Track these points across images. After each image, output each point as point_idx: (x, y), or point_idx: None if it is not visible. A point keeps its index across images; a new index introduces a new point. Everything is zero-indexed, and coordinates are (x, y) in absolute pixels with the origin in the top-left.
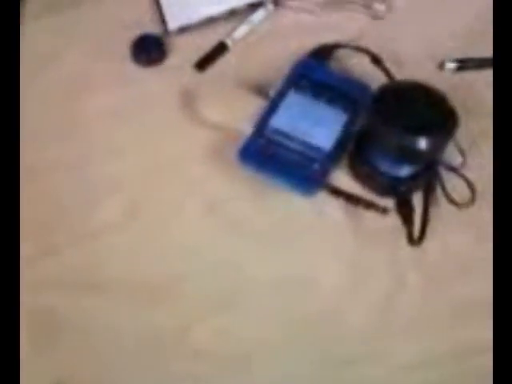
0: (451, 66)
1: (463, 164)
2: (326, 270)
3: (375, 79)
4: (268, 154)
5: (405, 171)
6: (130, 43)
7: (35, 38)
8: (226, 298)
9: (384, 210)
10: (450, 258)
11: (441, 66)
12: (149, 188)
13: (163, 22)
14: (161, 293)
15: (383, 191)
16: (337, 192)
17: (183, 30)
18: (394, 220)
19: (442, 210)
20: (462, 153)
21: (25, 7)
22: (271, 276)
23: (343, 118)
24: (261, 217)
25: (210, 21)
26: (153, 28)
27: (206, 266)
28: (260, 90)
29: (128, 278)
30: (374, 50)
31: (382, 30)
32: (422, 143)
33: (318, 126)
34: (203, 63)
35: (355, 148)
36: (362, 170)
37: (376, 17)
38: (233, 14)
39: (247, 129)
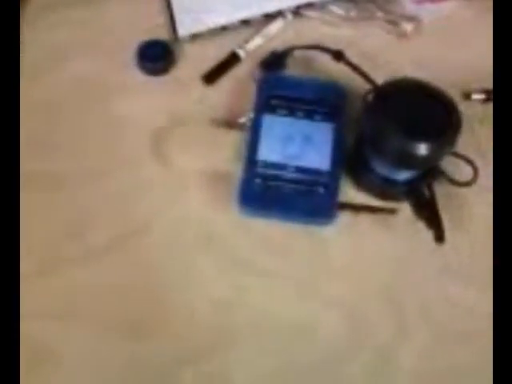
0: (478, 96)
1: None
2: (327, 316)
3: (341, 78)
4: (268, 194)
5: (408, 174)
6: (136, 49)
7: (42, 35)
8: (219, 340)
9: (392, 211)
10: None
11: (466, 96)
12: (144, 214)
13: (173, 28)
14: (152, 327)
15: (389, 196)
16: (341, 205)
17: (194, 37)
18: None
19: None
20: None
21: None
22: (270, 320)
23: (329, 129)
24: (262, 254)
25: (223, 30)
26: (162, 34)
27: (202, 303)
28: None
29: (113, 311)
30: (394, 70)
31: (405, 50)
32: (423, 149)
33: (306, 145)
34: (212, 75)
35: (354, 156)
36: (364, 178)
37: (401, 36)
38: (247, 24)
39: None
